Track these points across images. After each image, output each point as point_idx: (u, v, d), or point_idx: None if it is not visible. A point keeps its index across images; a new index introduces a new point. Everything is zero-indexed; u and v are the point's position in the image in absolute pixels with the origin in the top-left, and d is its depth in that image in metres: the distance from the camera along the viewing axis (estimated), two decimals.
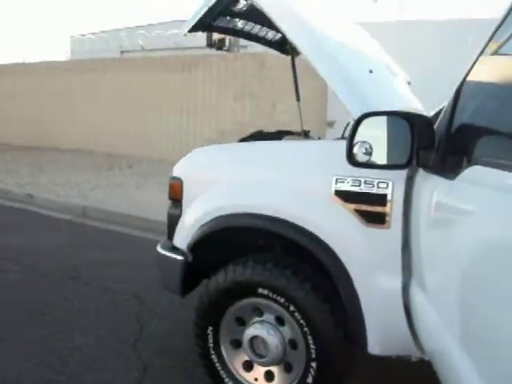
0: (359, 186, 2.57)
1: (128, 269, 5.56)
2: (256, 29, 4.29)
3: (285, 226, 2.78)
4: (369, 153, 2.30)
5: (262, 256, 2.99)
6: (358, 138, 2.29)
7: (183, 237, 3.22)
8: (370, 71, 3.18)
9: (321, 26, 3.14)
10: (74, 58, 21.95)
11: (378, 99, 2.91)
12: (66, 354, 3.69)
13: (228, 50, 13.08)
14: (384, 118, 2.29)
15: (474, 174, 1.81)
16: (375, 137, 2.31)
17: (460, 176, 1.90)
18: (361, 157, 2.31)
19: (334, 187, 2.64)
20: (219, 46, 12.35)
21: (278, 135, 3.78)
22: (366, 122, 2.29)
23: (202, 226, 3.06)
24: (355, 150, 2.31)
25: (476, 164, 1.83)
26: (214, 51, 12.11)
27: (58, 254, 6.11)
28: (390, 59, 4.00)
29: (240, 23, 4.11)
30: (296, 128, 4.21)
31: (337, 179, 2.63)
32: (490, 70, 2.00)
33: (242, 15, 3.93)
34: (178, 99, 13.51)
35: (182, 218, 3.27)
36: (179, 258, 3.23)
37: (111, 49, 19.64)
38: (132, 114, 14.54)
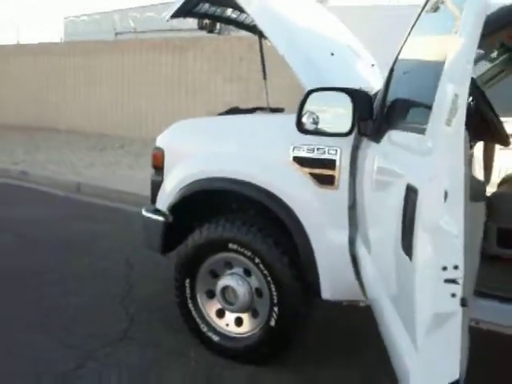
0: (313, 152, 2.98)
1: (119, 238, 5.97)
2: (234, 14, 4.66)
3: (250, 188, 3.20)
4: (316, 122, 2.72)
5: (232, 216, 3.41)
6: (306, 109, 2.70)
7: (164, 200, 3.63)
8: (332, 54, 3.58)
9: (285, 10, 3.52)
10: (68, 39, 22.20)
11: (335, 78, 3.30)
12: (60, 311, 4.11)
13: (219, 33, 13.34)
14: (330, 93, 2.70)
15: (388, 136, 2.24)
16: (322, 108, 2.72)
17: (382, 139, 2.33)
18: (309, 125, 2.73)
19: (291, 154, 3.06)
20: (210, 28, 12.62)
21: (252, 111, 4.20)
22: (313, 95, 2.70)
23: (181, 189, 3.48)
24: (304, 119, 2.72)
25: (391, 129, 2.26)
26: (205, 33, 12.41)
27: (53, 225, 6.52)
28: (356, 42, 4.38)
29: (219, 9, 4.47)
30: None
31: (294, 147, 3.04)
32: (410, 50, 2.40)
33: (219, 1, 4.30)
34: (170, 81, 13.87)
35: (163, 184, 3.68)
36: (160, 218, 3.64)
37: (104, 30, 19.89)
38: (125, 95, 14.87)
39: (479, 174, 4.52)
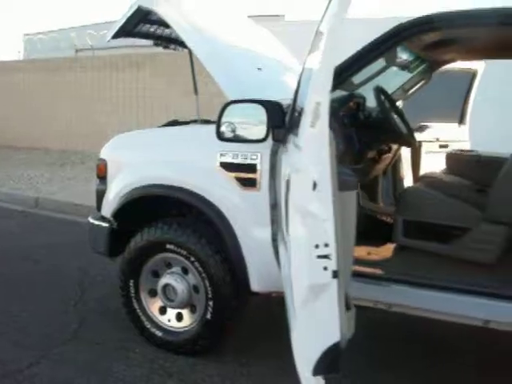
0: (237, 158, 3.31)
1: (74, 249, 6.20)
2: (174, 33, 4.96)
3: (183, 193, 3.51)
4: (234, 130, 3.04)
5: (169, 219, 3.71)
6: (224, 119, 3.03)
7: (108, 207, 3.92)
8: (259, 68, 3.92)
9: (213, 28, 3.83)
10: (28, 57, 22.25)
11: (260, 91, 3.62)
12: (15, 314, 4.36)
13: (174, 49, 13.55)
14: (247, 105, 3.03)
15: (287, 139, 2.58)
16: (241, 119, 3.06)
17: (286, 142, 2.67)
18: (228, 134, 3.06)
19: (218, 160, 3.37)
20: (165, 44, 12.83)
21: (187, 123, 4.51)
22: (230, 107, 3.03)
23: (121, 197, 3.77)
24: (223, 128, 3.05)
25: (291, 133, 2.60)
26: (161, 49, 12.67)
27: (10, 238, 6.74)
28: (288, 56, 4.74)
29: (159, 29, 4.77)
30: None
31: (220, 154, 3.36)
32: (308, 63, 2.72)
33: (158, 22, 4.59)
34: (128, 96, 14.12)
35: (106, 192, 3.96)
36: (105, 224, 3.93)
37: (63, 48, 20.04)
38: (84, 111, 15.06)
39: (407, 172, 4.93)
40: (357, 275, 3.27)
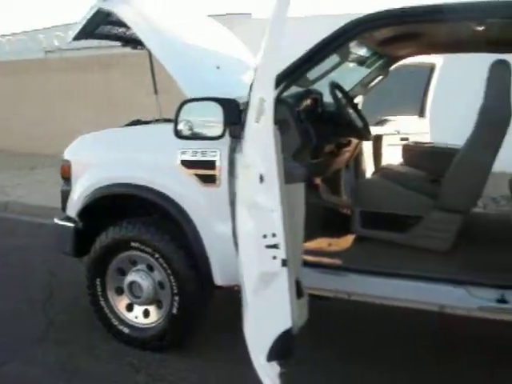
0: (196, 155, 3.37)
1: (43, 251, 6.18)
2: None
3: (146, 191, 3.56)
4: (191, 128, 3.11)
5: (134, 218, 3.76)
6: (181, 117, 3.09)
7: (73, 207, 3.96)
8: (218, 67, 3.98)
9: (171, 27, 3.88)
10: None
11: (219, 89, 3.68)
12: None
13: (143, 49, 13.49)
14: (203, 102, 3.10)
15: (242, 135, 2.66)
16: (198, 116, 3.12)
17: (242, 139, 2.74)
18: (185, 132, 3.12)
19: (179, 158, 3.43)
20: (133, 45, 12.76)
21: (149, 122, 4.56)
22: (187, 105, 3.09)
23: (85, 197, 3.81)
24: (180, 126, 3.11)
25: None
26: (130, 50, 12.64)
27: None
28: (247, 54, 4.80)
29: (121, 29, 4.80)
30: None
31: (181, 152, 3.42)
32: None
33: (119, 23, 4.63)
34: (97, 98, 14.06)
35: (71, 193, 4.00)
36: (70, 225, 3.96)
37: (31, 49, 19.86)
38: (53, 113, 14.95)
39: (370, 165, 5.05)
40: (318, 266, 3.37)
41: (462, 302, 3.06)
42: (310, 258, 3.43)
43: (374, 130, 5.25)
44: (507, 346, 3.72)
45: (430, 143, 4.91)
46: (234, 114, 3.06)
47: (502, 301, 2.98)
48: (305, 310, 2.35)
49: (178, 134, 3.14)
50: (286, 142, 3.30)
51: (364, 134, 3.96)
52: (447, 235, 3.41)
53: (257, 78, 2.19)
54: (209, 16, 4.97)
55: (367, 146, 5.14)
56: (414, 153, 4.67)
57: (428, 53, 4.64)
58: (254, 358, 2.24)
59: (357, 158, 4.98)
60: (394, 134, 5.41)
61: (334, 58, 3.55)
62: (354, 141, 4.39)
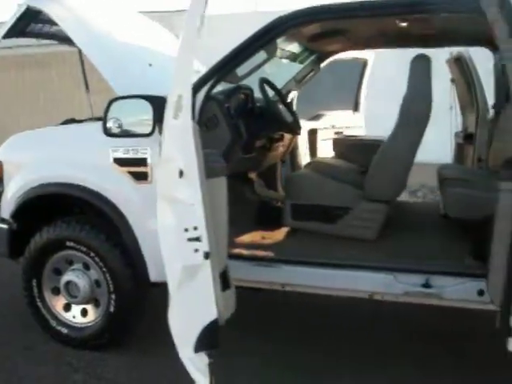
0: (128, 153, 3.38)
1: None
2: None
3: (79, 190, 3.55)
4: (120, 126, 3.13)
5: (69, 217, 3.75)
6: (110, 115, 3.11)
7: (6, 209, 3.90)
8: (150, 64, 3.99)
9: (101, 24, 3.87)
10: None
11: (150, 86, 3.69)
12: None
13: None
14: (133, 100, 3.12)
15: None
16: (127, 114, 3.14)
17: None
18: (115, 129, 3.13)
19: (111, 156, 3.44)
20: (70, 43, 12.43)
21: (83, 121, 4.53)
22: (116, 103, 3.11)
23: (18, 197, 3.77)
24: (109, 124, 3.13)
25: None
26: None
27: None
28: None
29: (52, 28, 4.74)
30: None
31: (112, 149, 3.43)
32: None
33: (50, 21, 4.56)
34: (34, 96, 13.82)
35: (4, 194, 3.95)
36: (4, 226, 3.91)
37: None
38: None
39: (304, 158, 5.15)
40: (252, 259, 3.44)
41: (390, 288, 3.18)
42: (244, 252, 3.50)
43: (309, 125, 5.38)
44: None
45: (359, 136, 5.05)
46: (163, 111, 3.08)
47: (427, 285, 3.10)
48: (231, 301, 2.40)
49: (107, 132, 3.16)
50: (216, 137, 3.39)
51: (293, 129, 4.05)
52: (374, 224, 3.54)
53: (174, 75, 2.23)
54: (153, 12, 4.97)
55: (303, 140, 5.24)
56: (344, 146, 4.80)
57: (357, 48, 4.77)
58: (181, 351, 2.28)
59: (292, 152, 5.07)
60: (329, 129, 5.53)
61: (263, 54, 3.60)
62: (288, 135, 4.47)
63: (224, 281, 2.41)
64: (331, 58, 4.97)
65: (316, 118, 5.57)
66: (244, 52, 3.29)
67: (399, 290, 3.16)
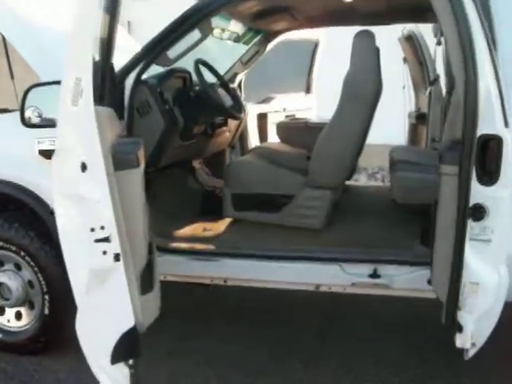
0: (54, 144, 3.13)
1: None
2: None
3: (2, 185, 3.30)
4: (40, 115, 2.88)
5: None
6: (28, 104, 2.85)
7: None
8: None
9: (28, 9, 3.60)
10: None
11: None
12: None
13: None
14: (52, 87, 2.86)
15: None
16: (48, 102, 2.89)
17: None
18: (34, 119, 2.88)
19: (36, 148, 3.19)
20: None
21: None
22: (34, 91, 2.86)
23: None
24: (28, 114, 2.87)
25: None
26: None
27: None
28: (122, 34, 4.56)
29: None
30: None
31: (38, 141, 3.17)
32: None
33: None
34: None
35: None
36: None
37: None
38: None
39: (255, 143, 4.96)
40: (192, 253, 3.24)
41: (336, 280, 3.02)
42: (183, 245, 3.31)
43: (259, 108, 5.18)
44: None
45: (304, 119, 4.85)
46: None
47: (375, 275, 2.94)
48: (154, 305, 2.19)
49: (25, 122, 2.90)
50: (149, 124, 3.17)
51: (232, 114, 3.79)
52: (319, 212, 3.34)
53: (69, 54, 1.97)
54: None
55: (252, 125, 5.05)
56: (288, 130, 4.59)
57: (303, 27, 4.52)
58: (93, 363, 2.06)
59: (241, 138, 4.87)
60: (280, 112, 5.34)
61: (197, 34, 3.37)
62: (233, 120, 4.27)
63: (144, 283, 2.20)
64: (279, 39, 4.74)
65: (266, 101, 5.37)
66: (175, 32, 3.06)
67: (346, 282, 3.00)
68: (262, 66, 5.03)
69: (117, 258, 1.94)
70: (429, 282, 2.80)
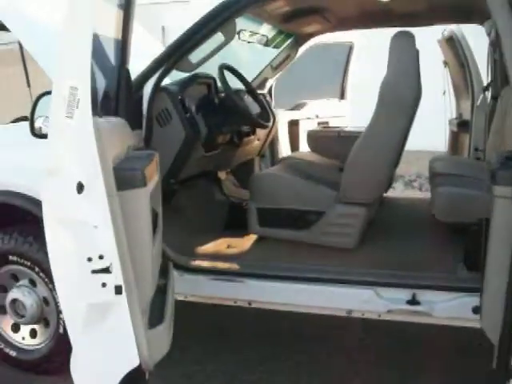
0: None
1: None
2: None
3: (17, 198, 3.12)
4: None
5: (10, 228, 3.32)
6: (38, 113, 2.67)
7: None
8: None
9: (42, 12, 3.44)
10: None
11: None
12: None
13: None
14: None
15: None
16: None
17: None
18: (44, 129, 2.69)
19: None
20: None
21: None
22: (46, 98, 2.66)
23: None
24: (37, 124, 2.69)
25: None
26: None
27: None
28: (147, 40, 4.38)
29: None
30: None
31: None
32: None
33: None
34: None
35: None
36: None
37: None
38: None
39: (286, 152, 4.72)
40: (214, 272, 3.02)
41: (370, 306, 2.75)
42: (205, 264, 3.08)
43: (290, 115, 4.95)
44: None
45: (337, 127, 4.57)
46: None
47: (413, 302, 2.67)
48: (164, 339, 1.95)
49: (36, 133, 2.71)
50: (169, 134, 2.96)
51: (258, 122, 3.53)
52: (351, 230, 3.05)
53: (63, 59, 1.73)
54: None
55: (283, 133, 4.81)
56: (319, 139, 4.31)
57: (337, 29, 4.27)
58: None
59: (272, 146, 4.64)
60: (312, 119, 5.08)
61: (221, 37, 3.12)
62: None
63: (153, 314, 1.97)
64: (311, 42, 4.51)
65: (298, 107, 5.12)
66: (196, 35, 2.84)
67: (381, 308, 2.73)
68: (294, 70, 4.81)
69: (118, 290, 1.71)
70: (474, 310, 2.52)
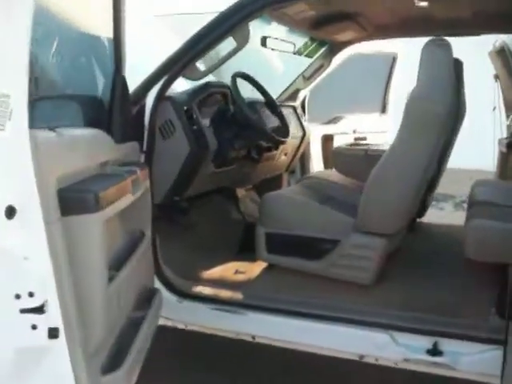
0: None
1: None
2: None
3: None
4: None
5: None
6: None
7: None
8: None
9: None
10: None
11: None
12: None
13: None
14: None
15: None
16: None
17: None
18: None
19: None
20: None
21: None
22: None
23: None
24: None
25: None
26: None
27: None
28: None
29: None
30: None
31: None
32: None
33: None
34: None
35: None
36: None
37: None
38: None
39: (319, 168, 4.41)
40: (216, 301, 2.73)
41: (385, 352, 2.40)
42: (207, 291, 2.79)
43: (324, 130, 4.63)
44: None
45: (365, 145, 4.19)
46: None
47: (435, 352, 2.30)
48: None
49: None
50: (172, 148, 2.70)
51: (273, 137, 3.18)
52: (368, 264, 2.67)
53: None
54: None
55: (316, 148, 4.49)
56: (345, 157, 3.92)
57: (373, 38, 3.88)
58: None
59: (302, 161, 4.33)
60: (348, 134, 4.74)
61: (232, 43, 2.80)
62: (292, 142, 3.74)
63: (112, 357, 1.69)
64: (348, 51, 4.17)
65: (334, 121, 4.79)
66: (205, 39, 2.56)
67: (397, 355, 2.38)
68: (332, 82, 4.48)
69: (53, 334, 1.43)
70: None
